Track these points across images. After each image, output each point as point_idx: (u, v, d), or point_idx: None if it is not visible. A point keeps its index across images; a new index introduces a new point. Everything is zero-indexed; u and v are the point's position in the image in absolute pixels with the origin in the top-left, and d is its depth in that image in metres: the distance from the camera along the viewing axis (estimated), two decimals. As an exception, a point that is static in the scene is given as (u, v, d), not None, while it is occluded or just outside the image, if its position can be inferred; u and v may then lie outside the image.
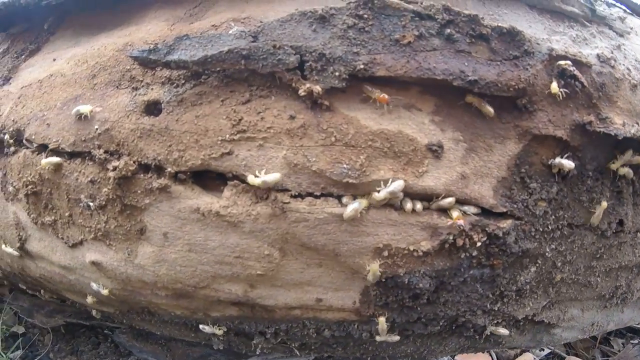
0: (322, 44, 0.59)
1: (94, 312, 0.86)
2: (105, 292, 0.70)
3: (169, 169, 0.62)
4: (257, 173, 0.59)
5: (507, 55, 0.60)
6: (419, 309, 0.64)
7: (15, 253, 0.80)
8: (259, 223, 0.61)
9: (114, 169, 0.65)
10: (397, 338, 0.66)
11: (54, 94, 0.76)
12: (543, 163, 0.61)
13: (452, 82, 0.58)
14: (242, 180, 0.61)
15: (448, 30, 0.59)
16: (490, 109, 0.57)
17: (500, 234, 0.60)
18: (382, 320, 0.61)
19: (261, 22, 0.62)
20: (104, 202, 0.67)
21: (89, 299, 0.79)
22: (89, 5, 0.82)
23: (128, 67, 0.70)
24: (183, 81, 0.65)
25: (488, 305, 0.65)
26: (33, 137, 0.75)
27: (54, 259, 0.77)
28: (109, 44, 0.75)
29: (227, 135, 0.60)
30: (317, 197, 0.59)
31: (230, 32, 0.63)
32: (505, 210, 0.60)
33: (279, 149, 0.59)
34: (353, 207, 0.56)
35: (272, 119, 0.60)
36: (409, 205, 0.58)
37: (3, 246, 0.81)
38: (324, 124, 0.59)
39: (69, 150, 0.70)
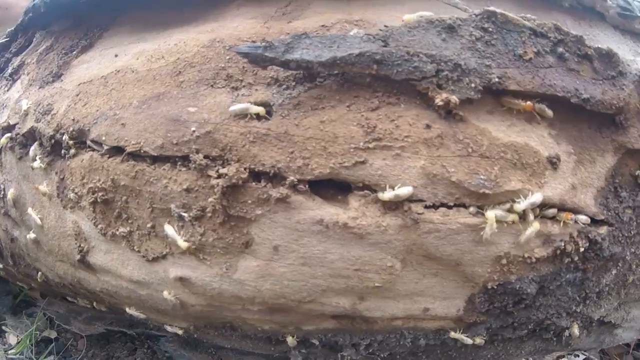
0: (455, 54, 0.51)
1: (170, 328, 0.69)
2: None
3: (291, 178, 0.50)
4: (387, 187, 0.50)
5: (606, 75, 0.57)
6: (515, 314, 0.56)
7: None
8: (387, 234, 0.51)
9: (222, 176, 0.51)
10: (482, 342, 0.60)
11: (126, 91, 0.59)
12: (631, 174, 0.58)
13: (569, 99, 0.53)
14: (373, 190, 0.52)
15: (560, 49, 0.54)
16: (550, 112, 0.52)
17: (599, 240, 0.57)
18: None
19: (385, 26, 0.53)
20: (201, 213, 0.54)
21: (159, 316, 0.64)
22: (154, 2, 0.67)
23: (222, 65, 0.56)
24: (294, 83, 0.53)
25: (573, 307, 0.61)
26: (103, 138, 0.58)
27: (123, 273, 0.60)
28: (188, 40, 0.60)
29: (361, 143, 0.48)
30: (449, 207, 0.52)
31: (351, 33, 0.53)
32: (603, 217, 0.58)
33: (417, 158, 0.50)
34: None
35: (408, 127, 0.50)
36: (531, 216, 0.53)
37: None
38: (459, 135, 0.51)
39: (155, 154, 0.54)
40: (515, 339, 0.61)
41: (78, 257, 0.60)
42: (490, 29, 0.51)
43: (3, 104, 0.75)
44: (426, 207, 0.49)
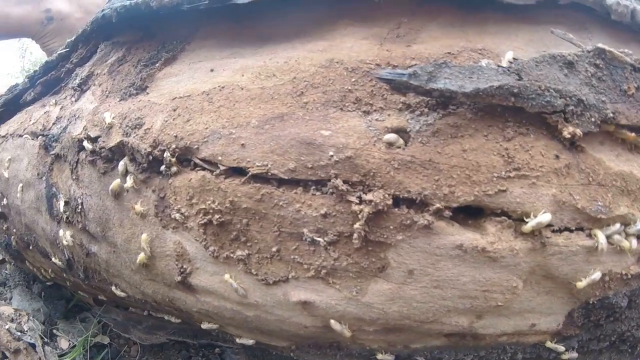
0: (576, 89, 0.49)
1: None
2: (347, 333, 0.51)
3: (437, 205, 0.47)
4: (521, 213, 0.48)
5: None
6: (604, 326, 0.57)
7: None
8: (518, 257, 0.49)
9: (365, 202, 0.46)
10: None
11: (239, 109, 0.52)
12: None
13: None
14: (509, 216, 0.49)
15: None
16: None
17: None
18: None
19: (515, 58, 0.50)
20: (337, 238, 0.48)
21: (260, 336, 0.57)
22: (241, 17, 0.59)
23: (348, 87, 0.50)
24: (426, 109, 0.49)
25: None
26: (219, 158, 0.50)
27: (232, 296, 0.53)
28: (300, 59, 0.54)
29: (503, 172, 0.46)
30: (571, 231, 0.51)
31: (482, 64, 0.50)
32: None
33: (548, 187, 0.48)
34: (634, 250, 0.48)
35: (541, 157, 0.48)
36: (634, 240, 0.53)
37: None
38: (581, 165, 0.50)
39: (286, 177, 0.48)
40: (596, 351, 0.62)
41: (178, 278, 0.52)
42: (601, 65, 0.50)
43: (74, 115, 0.65)
44: (552, 231, 0.47)
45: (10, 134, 0.82)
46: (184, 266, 0.53)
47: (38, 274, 0.89)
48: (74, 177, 0.65)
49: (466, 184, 0.45)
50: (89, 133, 0.62)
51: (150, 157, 0.54)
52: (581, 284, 0.50)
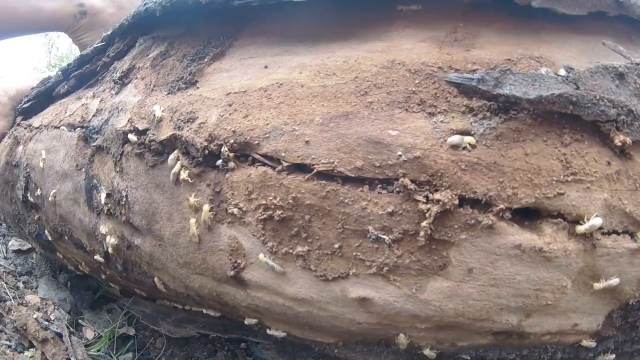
0: (626, 99, 0.49)
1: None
2: (404, 341, 0.49)
3: (501, 206, 0.46)
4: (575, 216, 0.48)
5: None
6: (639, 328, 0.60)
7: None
8: (570, 257, 0.48)
9: (432, 201, 0.45)
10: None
11: (301, 106, 0.50)
12: None
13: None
14: (564, 218, 0.49)
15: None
16: None
17: None
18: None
19: (571, 68, 0.50)
20: (402, 236, 0.47)
21: (309, 332, 0.55)
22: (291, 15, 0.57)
23: (412, 89, 0.49)
24: (489, 113, 0.48)
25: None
26: (283, 154, 0.48)
27: (286, 291, 0.51)
28: (360, 58, 0.52)
29: (561, 176, 0.46)
30: (618, 234, 0.51)
31: (542, 72, 0.49)
32: None
33: (601, 191, 0.48)
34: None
35: (595, 163, 0.48)
36: None
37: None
38: (630, 171, 0.50)
39: (352, 175, 0.46)
40: (628, 353, 0.62)
41: (231, 273, 0.50)
42: (645, 77, 0.50)
43: (116, 107, 0.62)
44: (602, 233, 0.47)
45: (45, 126, 0.78)
46: (238, 261, 0.51)
47: (69, 264, 0.85)
48: (117, 170, 0.62)
49: (528, 187, 0.45)
50: (135, 125, 0.60)
51: (206, 152, 0.52)
52: (598, 285, 0.49)
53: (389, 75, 0.49)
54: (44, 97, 0.85)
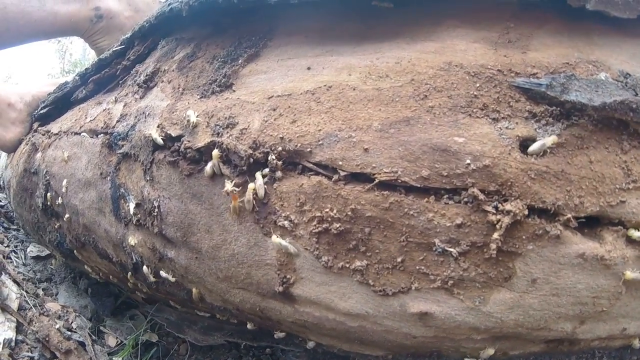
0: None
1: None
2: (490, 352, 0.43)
3: (568, 215, 0.40)
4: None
5: None
6: None
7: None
8: (626, 264, 0.44)
9: (501, 212, 0.39)
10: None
11: (355, 111, 0.43)
12: None
13: None
14: (624, 225, 0.43)
15: None
16: None
17: None
18: None
19: (628, 74, 0.44)
20: (469, 248, 0.40)
21: (358, 346, 0.49)
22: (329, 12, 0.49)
23: (474, 93, 0.43)
24: (551, 119, 0.43)
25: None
26: (340, 163, 0.41)
27: (339, 306, 0.45)
28: (413, 59, 0.46)
29: (623, 184, 0.41)
30: None
31: (602, 77, 0.44)
32: None
33: (660, 197, 0.44)
34: None
35: (655, 169, 0.44)
36: None
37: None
38: (687, 176, 0.46)
39: (418, 185, 0.40)
40: None
41: (280, 288, 0.44)
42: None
43: (143, 112, 0.53)
44: (656, 239, 0.43)
45: (64, 132, 0.68)
46: (288, 276, 0.44)
47: (91, 272, 0.75)
48: (147, 178, 0.53)
49: (593, 195, 0.40)
50: (167, 132, 0.51)
51: (251, 160, 0.44)
52: (629, 274, 0.44)
53: (448, 78, 0.43)
54: (62, 102, 0.75)
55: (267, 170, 0.45)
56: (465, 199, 0.40)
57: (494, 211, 0.39)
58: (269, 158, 0.44)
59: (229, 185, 0.45)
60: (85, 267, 0.74)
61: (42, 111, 0.78)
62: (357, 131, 0.42)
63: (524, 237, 0.40)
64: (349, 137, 0.42)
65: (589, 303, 0.46)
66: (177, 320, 0.71)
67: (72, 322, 0.72)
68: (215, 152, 0.47)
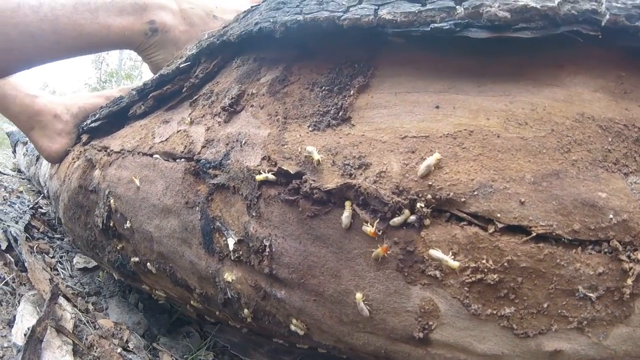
0: None
1: None
2: None
3: None
4: None
5: None
6: None
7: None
8: None
9: (634, 261, 0.46)
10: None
11: (505, 160, 0.46)
12: None
13: None
14: None
15: None
16: None
17: None
18: None
19: None
20: (604, 293, 0.47)
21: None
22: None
23: (607, 147, 0.48)
24: None
25: None
26: (498, 215, 0.44)
27: (476, 349, 0.49)
28: (548, 107, 0.49)
29: None
30: None
31: None
32: None
33: None
34: None
35: None
36: None
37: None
38: None
39: (569, 238, 0.45)
40: None
41: (420, 334, 0.48)
42: None
43: (236, 140, 0.53)
44: None
45: (129, 151, 0.62)
46: (430, 323, 0.47)
47: (154, 294, 0.71)
48: (253, 214, 0.52)
49: None
50: (281, 167, 0.50)
51: (395, 206, 0.45)
52: None
53: (584, 130, 0.48)
54: (115, 117, 0.67)
55: (413, 217, 0.47)
56: (606, 250, 0.46)
57: (627, 260, 0.47)
58: (418, 205, 0.46)
59: (370, 229, 0.46)
60: (144, 286, 0.70)
61: (93, 124, 0.70)
62: (511, 182, 0.46)
63: (648, 281, 0.49)
64: (504, 188, 0.46)
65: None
66: (242, 342, 0.71)
67: (127, 341, 0.68)
68: (348, 203, 0.48)
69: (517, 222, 0.45)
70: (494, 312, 0.47)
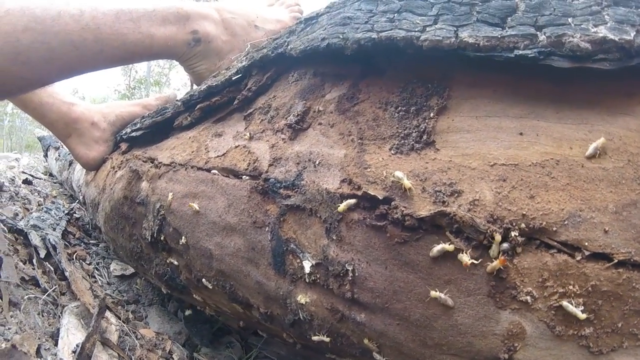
0: None
1: None
2: None
3: None
4: None
5: None
6: None
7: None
8: None
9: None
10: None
11: (590, 191, 0.50)
12: None
13: None
14: None
15: None
16: None
17: None
18: None
19: None
20: None
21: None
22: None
23: (672, 176, 0.54)
24: None
25: None
26: (585, 243, 0.49)
27: (550, 366, 0.54)
28: (623, 137, 0.54)
29: None
30: None
31: None
32: None
33: None
34: None
35: None
36: None
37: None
38: None
39: None
40: None
41: (505, 355, 0.52)
42: None
43: (309, 159, 0.55)
44: None
45: (181, 164, 0.60)
46: (515, 344, 0.52)
47: (203, 307, 0.71)
48: (333, 238, 0.53)
49: None
50: (367, 192, 0.52)
51: (490, 235, 0.49)
52: None
53: (652, 160, 0.53)
54: (158, 127, 0.64)
55: (505, 245, 0.51)
56: (675, 274, 0.53)
57: (696, 283, 0.53)
58: (512, 234, 0.50)
59: (466, 259, 0.50)
60: (201, 302, 0.70)
61: (133, 134, 0.66)
62: (597, 212, 0.51)
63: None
64: (590, 218, 0.50)
65: None
66: (289, 356, 0.73)
67: (170, 352, 0.68)
68: (449, 235, 0.51)
69: (602, 250, 0.50)
70: (575, 332, 0.53)
